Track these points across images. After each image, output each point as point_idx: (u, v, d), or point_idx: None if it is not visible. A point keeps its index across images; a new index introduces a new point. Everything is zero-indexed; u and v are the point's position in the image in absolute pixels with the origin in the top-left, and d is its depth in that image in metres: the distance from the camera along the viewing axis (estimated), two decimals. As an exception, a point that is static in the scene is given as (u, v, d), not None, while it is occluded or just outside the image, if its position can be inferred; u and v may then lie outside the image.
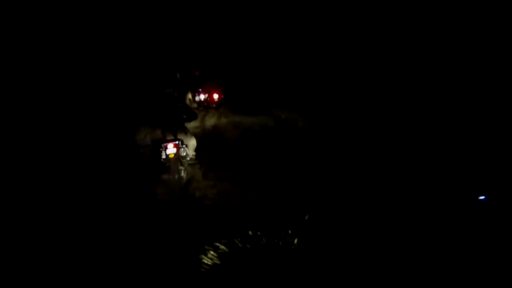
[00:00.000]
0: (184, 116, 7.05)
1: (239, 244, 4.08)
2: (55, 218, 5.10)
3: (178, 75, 17.14)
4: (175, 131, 6.93)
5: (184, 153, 6.97)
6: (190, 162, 7.39)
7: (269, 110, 13.75)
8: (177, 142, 6.64)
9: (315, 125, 10.63)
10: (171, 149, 6.51)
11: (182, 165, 6.93)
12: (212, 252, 4.10)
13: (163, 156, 6.72)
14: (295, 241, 3.86)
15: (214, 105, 16.80)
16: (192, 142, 7.40)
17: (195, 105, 20.64)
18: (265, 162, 7.81)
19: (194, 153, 7.50)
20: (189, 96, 22.17)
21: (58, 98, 8.53)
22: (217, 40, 18.23)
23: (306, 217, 4.27)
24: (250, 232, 4.12)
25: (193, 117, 7.17)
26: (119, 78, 13.47)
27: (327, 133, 9.26)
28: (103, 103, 10.80)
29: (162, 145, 6.66)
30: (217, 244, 4.19)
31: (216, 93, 16.63)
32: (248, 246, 4.00)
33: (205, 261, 4.04)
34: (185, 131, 7.12)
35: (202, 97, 18.76)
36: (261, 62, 17.11)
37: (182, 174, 6.79)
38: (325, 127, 9.98)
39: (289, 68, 14.99)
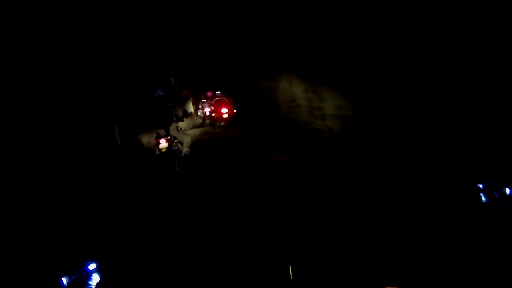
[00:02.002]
0: (175, 117, 7.55)
1: None
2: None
3: (172, 80, 12.87)
4: (168, 129, 7.31)
5: (176, 147, 7.43)
6: (184, 158, 8.01)
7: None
8: (168, 137, 7.10)
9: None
10: (163, 144, 6.98)
11: (177, 160, 7.36)
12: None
13: (157, 152, 7.15)
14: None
15: (222, 123, 12.10)
16: (187, 140, 8.91)
17: (199, 120, 16.22)
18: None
19: (188, 149, 8.46)
20: (190, 106, 17.75)
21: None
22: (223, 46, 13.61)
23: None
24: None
25: (185, 115, 7.89)
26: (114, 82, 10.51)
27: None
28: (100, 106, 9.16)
29: (156, 141, 7.14)
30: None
31: (226, 107, 11.94)
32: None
33: None
34: (178, 129, 8.22)
35: (207, 110, 14.18)
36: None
37: (177, 168, 7.25)
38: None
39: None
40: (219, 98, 12.22)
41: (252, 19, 11.61)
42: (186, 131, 15.64)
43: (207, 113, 14.08)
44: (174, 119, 7.49)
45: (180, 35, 12.67)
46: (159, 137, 7.16)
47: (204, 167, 7.84)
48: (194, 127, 16.14)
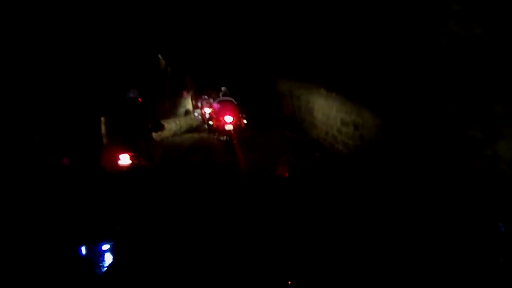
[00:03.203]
0: (150, 126, 6.32)
1: None
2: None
3: (162, 62, 9.24)
4: (137, 141, 6.10)
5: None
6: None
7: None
8: (133, 153, 5.92)
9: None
10: (124, 160, 5.86)
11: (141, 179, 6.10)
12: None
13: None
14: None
15: (225, 136, 8.10)
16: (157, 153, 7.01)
17: (195, 122, 12.25)
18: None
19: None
20: (189, 102, 13.78)
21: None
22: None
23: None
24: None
25: (157, 127, 6.40)
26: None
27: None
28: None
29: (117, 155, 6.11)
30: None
31: (231, 114, 7.93)
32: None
33: None
34: (147, 141, 6.40)
35: (207, 111, 10.25)
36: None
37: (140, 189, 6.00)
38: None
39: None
40: (223, 99, 8.20)
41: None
42: (176, 136, 11.88)
43: (207, 116, 10.15)
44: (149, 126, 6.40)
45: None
46: (120, 148, 6.13)
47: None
48: (188, 130, 12.24)
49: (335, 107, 5.69)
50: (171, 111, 11.84)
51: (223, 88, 8.90)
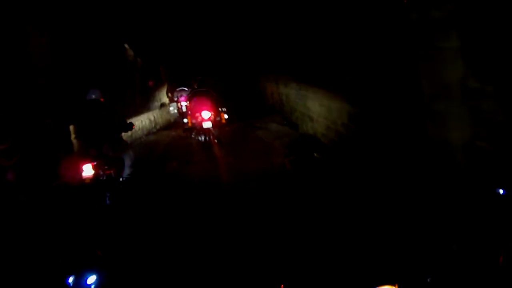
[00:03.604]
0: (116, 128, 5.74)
1: None
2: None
3: (130, 52, 8.16)
4: (101, 147, 5.59)
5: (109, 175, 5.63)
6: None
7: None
8: (96, 162, 5.43)
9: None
10: (87, 171, 5.35)
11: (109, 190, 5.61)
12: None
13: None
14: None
15: (203, 136, 6.92)
16: (128, 158, 6.11)
17: (171, 118, 11.05)
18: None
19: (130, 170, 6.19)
20: (164, 94, 12.52)
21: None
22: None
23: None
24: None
25: (125, 128, 5.84)
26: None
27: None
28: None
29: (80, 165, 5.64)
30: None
31: (209, 109, 6.76)
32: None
33: None
34: (114, 145, 5.75)
35: (183, 105, 9.06)
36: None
37: (108, 202, 5.62)
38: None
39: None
40: (199, 91, 6.99)
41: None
42: (150, 134, 10.65)
43: (183, 109, 8.99)
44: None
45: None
46: (83, 158, 5.61)
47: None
48: (166, 127, 11.03)
49: (340, 96, 4.53)
50: (144, 106, 10.60)
51: (198, 78, 7.71)
